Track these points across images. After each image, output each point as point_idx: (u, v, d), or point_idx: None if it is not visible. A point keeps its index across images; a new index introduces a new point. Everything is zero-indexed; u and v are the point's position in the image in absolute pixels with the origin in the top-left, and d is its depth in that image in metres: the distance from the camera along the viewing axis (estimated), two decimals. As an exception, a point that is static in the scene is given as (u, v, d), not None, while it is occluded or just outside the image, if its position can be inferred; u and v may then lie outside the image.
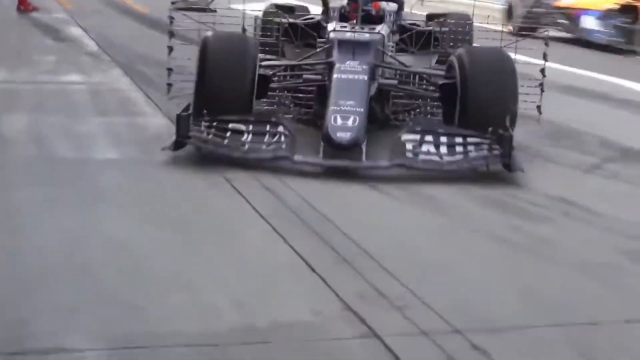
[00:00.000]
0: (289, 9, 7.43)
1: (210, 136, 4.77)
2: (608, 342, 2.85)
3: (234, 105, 5.03)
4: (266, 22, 7.16)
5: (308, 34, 6.40)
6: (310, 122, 5.85)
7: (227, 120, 4.93)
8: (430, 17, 7.06)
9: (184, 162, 4.86)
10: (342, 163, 4.75)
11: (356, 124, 4.80)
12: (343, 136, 4.72)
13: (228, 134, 4.86)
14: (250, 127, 4.94)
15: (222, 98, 5.03)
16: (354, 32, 5.62)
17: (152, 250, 3.55)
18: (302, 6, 8.61)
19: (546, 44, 6.12)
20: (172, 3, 16.36)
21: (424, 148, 4.90)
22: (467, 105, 5.20)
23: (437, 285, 3.25)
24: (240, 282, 3.20)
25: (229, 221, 4.07)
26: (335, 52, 5.44)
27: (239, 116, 5.02)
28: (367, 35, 5.61)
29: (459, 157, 4.87)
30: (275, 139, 4.87)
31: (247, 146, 4.80)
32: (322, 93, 5.51)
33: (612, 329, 2.98)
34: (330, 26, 5.92)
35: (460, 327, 2.78)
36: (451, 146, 4.92)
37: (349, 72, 5.19)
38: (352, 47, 5.39)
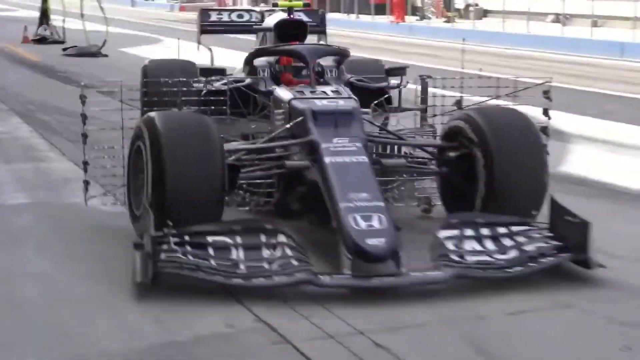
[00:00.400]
0: (216, 70, 5.72)
1: (189, 257, 3.50)
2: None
3: (202, 208, 3.84)
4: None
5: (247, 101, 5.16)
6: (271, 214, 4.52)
7: (203, 232, 3.68)
8: (389, 72, 5.84)
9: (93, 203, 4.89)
10: (387, 282, 3.51)
11: (385, 225, 3.62)
12: (377, 244, 3.51)
13: (210, 250, 3.58)
14: (239, 239, 3.65)
15: (186, 199, 3.80)
16: (324, 98, 4.48)
17: (75, 281, 3.74)
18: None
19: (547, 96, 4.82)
20: (64, 50, 17.12)
21: (467, 246, 3.78)
22: (493, 182, 4.11)
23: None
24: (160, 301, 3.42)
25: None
26: (311, 128, 4.18)
27: (219, 225, 3.80)
28: (342, 101, 4.46)
29: (513, 253, 3.76)
30: (278, 253, 3.61)
31: (243, 267, 3.52)
32: (286, 178, 4.41)
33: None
34: (282, 92, 4.73)
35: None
36: (495, 239, 3.85)
37: (343, 153, 4.02)
38: (332, 120, 4.20)
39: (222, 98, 4.90)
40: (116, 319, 3.29)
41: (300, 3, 5.91)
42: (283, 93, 4.72)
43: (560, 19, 19.33)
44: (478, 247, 3.77)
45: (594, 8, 18.93)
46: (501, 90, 4.92)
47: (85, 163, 4.67)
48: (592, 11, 18.96)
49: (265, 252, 3.64)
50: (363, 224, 3.59)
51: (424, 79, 4.89)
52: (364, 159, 4.05)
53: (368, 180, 3.95)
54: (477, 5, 20.74)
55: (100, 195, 4.74)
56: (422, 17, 23.98)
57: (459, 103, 4.81)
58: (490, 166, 4.10)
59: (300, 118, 4.28)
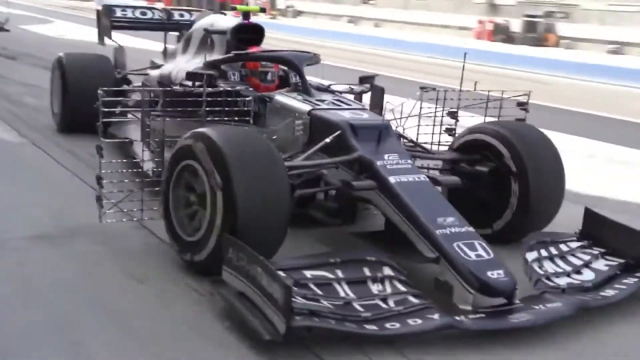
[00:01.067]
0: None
1: (298, 299, 2.83)
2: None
3: (271, 231, 3.33)
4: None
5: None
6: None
7: (298, 267, 3.08)
8: (362, 80, 5.29)
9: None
10: (525, 321, 2.96)
11: (491, 254, 3.19)
12: (499, 277, 3.08)
13: (315, 288, 2.99)
14: (339, 272, 3.09)
15: (256, 223, 3.23)
16: (345, 109, 4.10)
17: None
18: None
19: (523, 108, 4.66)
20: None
21: (549, 268, 3.45)
22: (528, 194, 3.91)
23: None
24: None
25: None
26: (354, 143, 3.74)
27: (312, 258, 3.24)
28: (366, 114, 4.10)
29: (588, 272, 3.45)
30: (389, 289, 3.09)
31: (358, 307, 2.93)
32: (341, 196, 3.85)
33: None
34: (290, 100, 4.24)
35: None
36: (563, 257, 3.57)
37: (401, 171, 3.58)
38: (374, 134, 3.76)
39: (246, 108, 4.24)
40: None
41: (257, 8, 5.92)
42: (292, 102, 4.24)
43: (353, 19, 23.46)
44: (555, 268, 3.47)
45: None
46: (483, 103, 4.77)
47: (100, 178, 3.86)
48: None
49: (374, 288, 3.09)
50: (472, 254, 3.16)
51: (423, 91, 4.62)
52: (424, 177, 3.66)
53: (443, 202, 3.56)
54: (293, 7, 22.79)
55: (115, 212, 3.94)
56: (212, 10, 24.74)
57: (453, 114, 4.66)
58: (524, 179, 3.92)
59: (338, 132, 3.82)
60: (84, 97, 5.72)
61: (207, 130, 3.50)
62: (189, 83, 4.57)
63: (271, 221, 3.32)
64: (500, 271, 3.11)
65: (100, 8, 7.02)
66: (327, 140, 3.83)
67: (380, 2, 21.25)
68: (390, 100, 4.73)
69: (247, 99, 4.29)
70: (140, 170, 4.19)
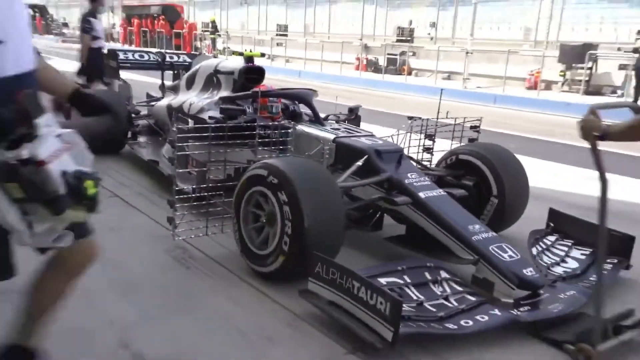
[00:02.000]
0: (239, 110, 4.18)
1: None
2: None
3: (332, 249, 2.86)
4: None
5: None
6: None
7: (374, 275, 2.67)
8: (350, 110, 4.74)
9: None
10: (567, 306, 2.66)
11: (518, 254, 2.89)
12: (532, 273, 2.78)
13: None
14: (407, 278, 2.74)
15: (320, 242, 2.76)
16: (363, 135, 3.68)
17: None
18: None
19: (475, 130, 4.39)
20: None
21: (546, 259, 3.18)
22: (504, 202, 3.59)
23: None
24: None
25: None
26: (380, 165, 3.34)
27: (386, 267, 2.85)
28: (380, 140, 3.68)
29: (572, 262, 3.18)
30: (448, 289, 2.74)
31: (431, 308, 2.57)
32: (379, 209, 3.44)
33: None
34: (313, 130, 3.78)
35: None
36: (549, 250, 3.30)
37: (425, 187, 3.24)
38: (395, 158, 3.42)
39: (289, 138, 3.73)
40: None
41: (259, 53, 5.20)
42: (316, 131, 3.81)
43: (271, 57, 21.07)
44: (549, 259, 3.18)
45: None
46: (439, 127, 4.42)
47: (173, 203, 3.30)
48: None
49: (436, 289, 2.73)
50: (505, 256, 2.84)
51: (411, 120, 4.21)
52: (443, 191, 3.30)
53: (466, 212, 3.18)
54: (229, 47, 20.92)
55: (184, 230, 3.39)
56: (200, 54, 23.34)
57: (430, 137, 4.30)
58: (501, 186, 3.61)
59: (366, 157, 3.39)
60: (100, 126, 4.89)
61: (277, 162, 3.00)
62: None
63: (331, 234, 2.88)
64: (531, 268, 2.84)
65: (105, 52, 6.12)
66: (359, 163, 3.39)
67: (289, 45, 20.62)
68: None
69: (289, 130, 3.74)
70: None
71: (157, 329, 2.51)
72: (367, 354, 2.33)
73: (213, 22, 25.03)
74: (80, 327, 2.46)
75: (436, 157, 4.26)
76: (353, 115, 4.70)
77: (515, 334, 2.53)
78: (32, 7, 38.10)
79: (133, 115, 5.77)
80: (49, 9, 39.66)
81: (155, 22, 27.31)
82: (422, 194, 3.18)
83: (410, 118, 4.23)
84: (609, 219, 2.22)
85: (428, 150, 4.30)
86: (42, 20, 36.46)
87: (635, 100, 11.70)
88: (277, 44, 22.04)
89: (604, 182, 2.18)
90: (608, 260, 3.12)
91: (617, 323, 2.45)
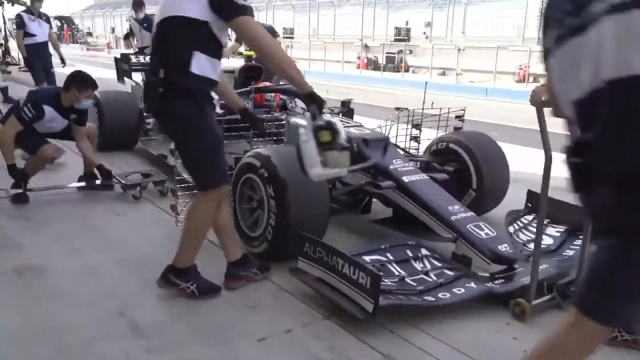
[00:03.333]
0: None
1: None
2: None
3: (317, 229, 2.83)
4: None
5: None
6: None
7: (359, 253, 2.62)
8: (343, 103, 4.64)
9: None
10: (545, 272, 2.61)
11: (494, 231, 2.84)
12: (507, 249, 2.74)
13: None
14: (389, 255, 2.70)
15: (304, 224, 2.73)
16: (351, 126, 3.61)
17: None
18: None
19: (460, 119, 4.28)
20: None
21: (523, 237, 3.15)
22: (482, 186, 3.55)
23: None
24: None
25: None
26: (367, 153, 3.28)
27: (371, 246, 2.80)
28: (367, 130, 3.60)
29: (548, 239, 3.08)
30: (428, 265, 2.70)
31: (411, 282, 2.54)
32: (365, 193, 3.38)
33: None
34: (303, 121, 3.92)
35: None
36: (525, 228, 3.24)
37: (409, 172, 3.18)
38: (381, 146, 3.35)
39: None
40: None
41: (253, 53, 5.04)
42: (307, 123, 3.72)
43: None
44: (524, 237, 3.13)
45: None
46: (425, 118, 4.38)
47: (175, 191, 3.34)
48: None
49: (417, 265, 2.70)
50: (482, 233, 2.80)
51: (398, 110, 4.17)
52: (425, 176, 3.25)
53: (446, 194, 3.13)
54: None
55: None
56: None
57: (417, 126, 4.25)
58: (480, 175, 3.58)
59: (355, 145, 3.34)
60: (115, 123, 5.24)
61: (268, 150, 2.97)
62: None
63: (314, 227, 2.81)
64: (506, 244, 2.80)
65: (118, 56, 6.11)
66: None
67: (295, 46, 20.53)
68: None
69: (283, 122, 3.74)
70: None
71: (152, 299, 2.57)
72: (341, 319, 2.36)
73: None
74: (83, 299, 2.55)
75: (424, 146, 4.22)
76: (345, 109, 4.68)
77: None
78: (59, 18, 38.27)
79: (145, 114, 5.79)
80: (75, 19, 39.83)
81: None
82: (405, 178, 3.15)
83: (398, 109, 4.19)
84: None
85: (415, 139, 4.26)
86: (68, 30, 36.63)
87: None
88: (286, 47, 22.03)
89: (546, 146, 2.21)
90: (581, 236, 3.07)
91: (552, 282, 2.55)
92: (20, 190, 3.92)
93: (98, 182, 4.21)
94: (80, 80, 3.90)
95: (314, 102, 2.23)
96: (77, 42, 34.60)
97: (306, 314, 2.45)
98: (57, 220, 3.61)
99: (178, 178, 3.31)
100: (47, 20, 7.39)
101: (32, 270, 2.84)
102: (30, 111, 3.79)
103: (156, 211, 3.86)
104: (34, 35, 7.09)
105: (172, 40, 2.16)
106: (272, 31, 6.01)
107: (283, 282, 2.72)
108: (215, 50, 2.21)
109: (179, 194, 3.31)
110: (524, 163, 5.27)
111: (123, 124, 5.29)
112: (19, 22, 7.08)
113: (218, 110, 4.21)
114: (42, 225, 3.52)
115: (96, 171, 4.22)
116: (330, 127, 2.20)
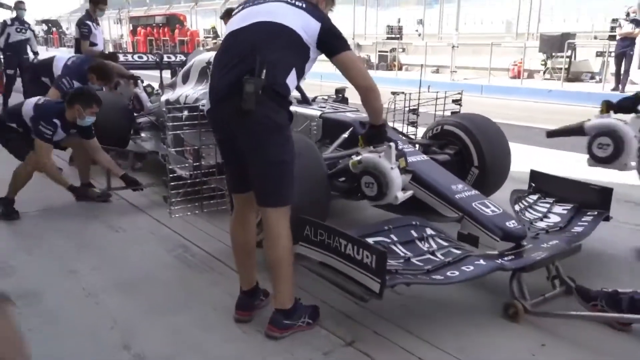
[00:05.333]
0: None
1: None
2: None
3: (319, 213, 2.70)
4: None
5: None
6: None
7: (363, 235, 2.47)
8: (337, 91, 4.61)
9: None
10: (553, 251, 2.57)
11: (500, 209, 2.82)
12: (515, 225, 2.70)
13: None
14: (394, 237, 2.61)
15: (305, 208, 2.56)
16: (347, 111, 3.64)
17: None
18: None
19: (458, 103, 4.33)
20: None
21: (529, 215, 3.10)
22: (485, 168, 3.55)
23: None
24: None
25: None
26: None
27: (375, 227, 2.68)
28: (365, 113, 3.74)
29: (555, 218, 3.04)
30: (435, 245, 2.62)
31: (418, 262, 2.46)
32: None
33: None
34: (302, 109, 3.74)
35: None
36: (531, 207, 3.19)
37: (410, 154, 3.11)
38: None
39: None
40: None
41: None
42: (302, 110, 3.77)
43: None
44: (531, 215, 3.09)
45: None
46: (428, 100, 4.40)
47: (168, 182, 3.27)
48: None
49: (423, 245, 2.61)
50: (488, 211, 2.75)
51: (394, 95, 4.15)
52: (426, 157, 3.21)
53: (448, 174, 3.09)
54: None
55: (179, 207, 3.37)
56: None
57: (414, 111, 4.22)
58: (480, 152, 3.57)
59: (351, 129, 3.33)
60: (106, 121, 4.99)
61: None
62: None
63: (317, 206, 2.74)
64: (512, 221, 2.75)
65: None
66: (345, 135, 3.32)
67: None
68: None
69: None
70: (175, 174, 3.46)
71: (158, 328, 2.39)
72: (364, 344, 2.23)
73: (213, 28, 24.89)
74: (84, 328, 2.38)
75: (420, 132, 4.19)
76: (340, 97, 4.63)
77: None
78: (46, 22, 38.01)
79: (135, 113, 5.73)
80: (62, 22, 39.58)
81: (160, 31, 27.22)
82: (410, 159, 3.01)
83: (394, 93, 4.15)
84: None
85: (412, 124, 4.22)
86: (56, 34, 36.41)
87: (617, 85, 11.56)
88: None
89: None
90: (588, 213, 3.04)
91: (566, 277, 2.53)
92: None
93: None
94: (86, 98, 3.85)
95: (381, 132, 2.47)
96: (64, 46, 34.40)
97: (326, 341, 2.29)
98: (51, 238, 3.42)
99: (169, 167, 3.24)
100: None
101: (26, 296, 2.63)
102: (48, 128, 3.74)
103: (154, 225, 3.65)
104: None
105: (279, 47, 2.10)
106: None
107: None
108: (300, 76, 2.17)
109: (172, 184, 3.25)
110: (521, 160, 5.24)
111: (115, 123, 5.16)
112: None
113: (205, 103, 4.17)
114: (35, 244, 3.33)
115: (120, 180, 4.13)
116: (403, 154, 2.56)
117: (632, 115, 2.88)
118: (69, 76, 4.78)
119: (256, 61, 2.01)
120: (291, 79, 2.11)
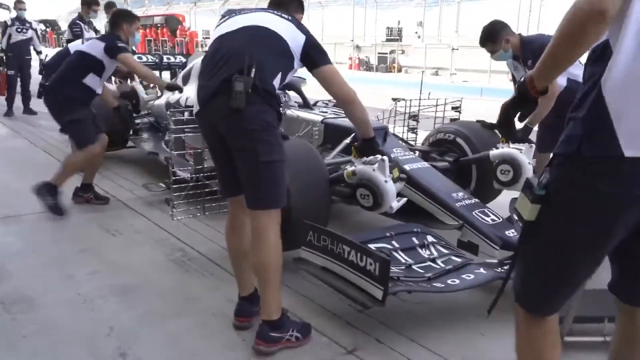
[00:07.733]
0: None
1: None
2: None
3: (319, 218, 2.68)
4: None
5: None
6: None
7: (365, 241, 2.46)
8: None
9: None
10: None
11: (499, 217, 2.84)
12: (515, 235, 2.67)
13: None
14: (395, 243, 2.62)
15: (305, 212, 2.62)
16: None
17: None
18: None
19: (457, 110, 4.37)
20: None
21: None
22: (485, 175, 3.50)
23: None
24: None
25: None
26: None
27: (376, 233, 2.67)
28: None
29: None
30: (435, 252, 2.63)
31: (419, 270, 2.47)
32: None
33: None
34: (303, 113, 3.76)
35: None
36: None
37: (410, 161, 3.19)
38: (380, 135, 3.23)
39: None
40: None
41: None
42: (304, 114, 3.76)
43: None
44: None
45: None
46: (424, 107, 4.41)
47: (170, 184, 3.25)
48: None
49: (424, 252, 2.62)
50: (488, 219, 2.77)
51: (395, 101, 4.17)
52: (427, 164, 3.23)
53: (449, 182, 3.12)
54: None
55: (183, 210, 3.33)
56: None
57: (414, 117, 4.24)
58: (480, 165, 3.57)
59: (352, 135, 3.31)
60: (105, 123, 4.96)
61: None
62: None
63: (318, 207, 2.75)
64: (513, 230, 2.74)
65: None
66: (347, 141, 3.32)
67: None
68: None
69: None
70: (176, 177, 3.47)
71: (155, 335, 2.34)
72: (365, 352, 2.21)
73: (214, 29, 24.85)
74: (79, 335, 2.33)
75: (421, 138, 4.20)
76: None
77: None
78: (44, 22, 37.95)
79: (134, 114, 5.74)
80: (61, 23, 39.52)
81: (159, 31, 27.19)
82: (407, 167, 3.09)
83: (395, 99, 4.18)
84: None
85: (412, 130, 4.25)
86: (53, 34, 36.34)
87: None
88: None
89: None
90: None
91: None
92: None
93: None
94: (126, 14, 3.94)
95: (373, 145, 2.48)
96: (61, 46, 34.36)
97: (327, 349, 2.24)
98: (48, 242, 3.39)
99: (172, 170, 3.26)
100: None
101: (21, 302, 2.60)
102: (123, 42, 3.79)
103: (152, 228, 3.60)
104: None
105: (268, 50, 2.12)
106: None
107: (299, 311, 2.50)
108: (282, 83, 2.17)
109: (174, 186, 3.26)
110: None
111: (113, 123, 5.18)
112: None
113: None
114: (32, 248, 3.28)
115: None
116: (397, 164, 2.61)
117: (526, 144, 3.23)
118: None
119: (245, 61, 2.02)
120: (276, 83, 2.12)
